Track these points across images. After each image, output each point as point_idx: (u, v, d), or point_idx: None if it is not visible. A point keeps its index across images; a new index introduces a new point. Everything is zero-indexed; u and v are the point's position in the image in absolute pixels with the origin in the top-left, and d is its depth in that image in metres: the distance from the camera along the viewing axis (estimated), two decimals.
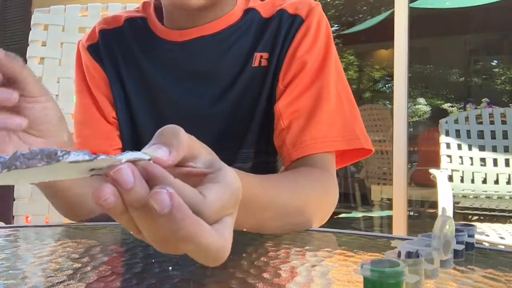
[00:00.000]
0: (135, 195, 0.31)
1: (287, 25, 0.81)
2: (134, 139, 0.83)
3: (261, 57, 0.81)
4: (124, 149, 0.83)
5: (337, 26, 7.16)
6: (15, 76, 0.49)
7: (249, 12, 0.83)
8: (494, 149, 2.38)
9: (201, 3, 0.75)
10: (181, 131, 0.36)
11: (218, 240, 0.33)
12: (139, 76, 0.83)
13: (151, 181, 0.32)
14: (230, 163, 0.86)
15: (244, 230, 0.58)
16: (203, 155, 0.37)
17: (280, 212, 0.60)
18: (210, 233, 0.32)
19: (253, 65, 0.80)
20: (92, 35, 0.87)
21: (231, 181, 0.36)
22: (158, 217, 0.31)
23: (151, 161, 0.33)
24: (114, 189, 0.31)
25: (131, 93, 0.84)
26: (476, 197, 2.38)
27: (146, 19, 0.86)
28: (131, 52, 0.84)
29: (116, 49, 0.85)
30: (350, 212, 4.67)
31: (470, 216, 2.94)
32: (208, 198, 0.33)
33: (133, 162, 0.32)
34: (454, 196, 2.09)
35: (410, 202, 3.19)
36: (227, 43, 0.81)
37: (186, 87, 0.81)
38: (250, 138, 0.81)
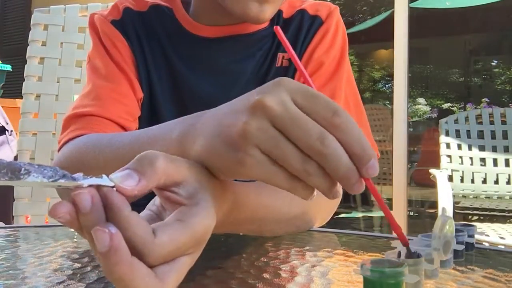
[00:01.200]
0: (89, 221, 0.32)
1: (307, 26, 0.82)
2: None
3: (283, 57, 0.82)
4: None
5: None
6: None
7: (275, 15, 0.83)
8: (494, 149, 2.38)
9: (268, 18, 0.74)
10: (158, 159, 0.35)
11: (154, 286, 0.33)
12: (164, 65, 0.81)
13: (108, 210, 0.32)
14: None
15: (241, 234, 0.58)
16: (187, 182, 0.37)
17: (279, 220, 0.59)
18: (146, 279, 0.32)
19: (276, 66, 0.81)
20: (114, 11, 0.82)
21: (197, 222, 0.35)
22: (96, 254, 0.31)
23: (114, 189, 0.33)
24: (71, 209, 0.32)
25: (155, 82, 0.80)
26: (476, 197, 2.38)
27: (172, 10, 0.83)
28: (156, 39, 0.81)
29: (141, 32, 0.81)
30: (350, 212, 4.67)
31: (470, 216, 2.94)
32: (158, 240, 0.33)
33: (97, 186, 0.32)
34: (454, 196, 2.09)
35: (410, 202, 3.20)
36: (257, 46, 0.82)
37: (213, 84, 0.80)
38: None
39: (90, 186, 0.32)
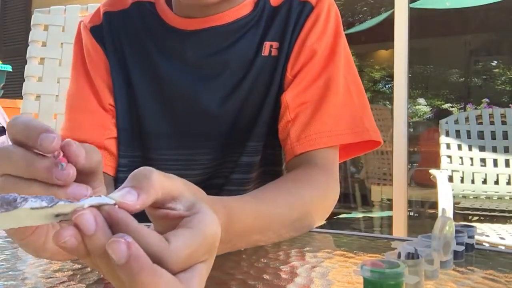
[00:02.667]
0: (97, 242, 0.31)
1: (296, 13, 0.78)
2: (135, 129, 0.80)
3: (271, 46, 0.79)
4: (121, 139, 0.80)
5: None
6: (92, 171, 0.42)
7: (259, 2, 0.81)
8: (494, 150, 2.38)
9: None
10: (153, 173, 0.35)
11: None
12: (145, 63, 0.80)
13: (114, 227, 0.31)
14: (238, 157, 0.85)
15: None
16: (184, 196, 0.36)
17: (280, 226, 0.58)
18: (171, 284, 0.31)
19: (262, 54, 0.78)
20: (95, 16, 0.84)
21: (205, 226, 0.34)
22: (116, 268, 0.30)
23: (116, 206, 0.32)
24: (76, 232, 0.31)
25: (135, 81, 0.80)
26: (476, 197, 2.38)
27: (154, 4, 0.82)
28: (137, 37, 0.81)
29: (122, 33, 0.82)
30: (350, 213, 4.67)
31: (470, 217, 2.94)
32: (173, 246, 0.32)
33: (99, 207, 0.32)
34: (454, 196, 2.09)
35: (410, 203, 3.19)
36: (238, 34, 0.79)
37: (194, 78, 0.79)
38: (258, 130, 0.79)
39: (90, 207, 0.31)
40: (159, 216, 0.36)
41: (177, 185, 0.37)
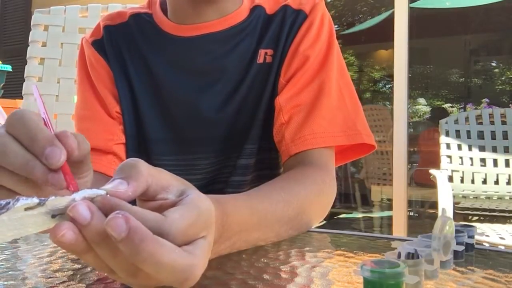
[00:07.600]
0: (94, 229, 0.31)
1: (290, 21, 0.81)
2: (139, 135, 0.82)
3: (266, 53, 0.81)
4: (129, 144, 0.82)
5: (337, 27, 7.14)
6: (82, 160, 0.43)
7: (255, 9, 0.83)
8: (494, 150, 2.38)
9: None
10: (139, 162, 0.36)
11: (185, 257, 0.32)
12: (145, 71, 0.82)
13: (109, 213, 0.31)
14: (236, 159, 0.86)
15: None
16: (174, 185, 0.37)
17: (273, 228, 0.58)
18: (175, 251, 0.32)
19: (258, 62, 0.80)
20: (96, 31, 0.86)
21: (198, 203, 0.35)
22: (118, 244, 0.30)
23: (108, 195, 0.33)
24: (72, 226, 0.31)
25: (137, 89, 0.82)
26: (476, 197, 2.38)
27: (151, 15, 0.84)
28: (137, 47, 0.83)
29: (122, 45, 0.84)
30: (351, 213, 4.67)
31: (470, 217, 2.94)
32: (170, 218, 0.33)
33: (92, 199, 0.32)
34: (454, 196, 2.09)
35: (410, 203, 3.19)
36: (234, 41, 0.81)
37: (192, 84, 0.80)
38: (254, 133, 0.80)
39: (83, 199, 0.32)
40: (152, 209, 0.36)
41: (165, 175, 0.38)
